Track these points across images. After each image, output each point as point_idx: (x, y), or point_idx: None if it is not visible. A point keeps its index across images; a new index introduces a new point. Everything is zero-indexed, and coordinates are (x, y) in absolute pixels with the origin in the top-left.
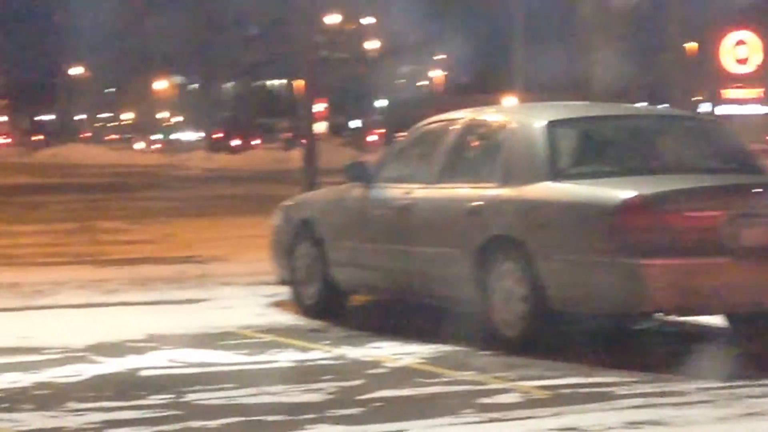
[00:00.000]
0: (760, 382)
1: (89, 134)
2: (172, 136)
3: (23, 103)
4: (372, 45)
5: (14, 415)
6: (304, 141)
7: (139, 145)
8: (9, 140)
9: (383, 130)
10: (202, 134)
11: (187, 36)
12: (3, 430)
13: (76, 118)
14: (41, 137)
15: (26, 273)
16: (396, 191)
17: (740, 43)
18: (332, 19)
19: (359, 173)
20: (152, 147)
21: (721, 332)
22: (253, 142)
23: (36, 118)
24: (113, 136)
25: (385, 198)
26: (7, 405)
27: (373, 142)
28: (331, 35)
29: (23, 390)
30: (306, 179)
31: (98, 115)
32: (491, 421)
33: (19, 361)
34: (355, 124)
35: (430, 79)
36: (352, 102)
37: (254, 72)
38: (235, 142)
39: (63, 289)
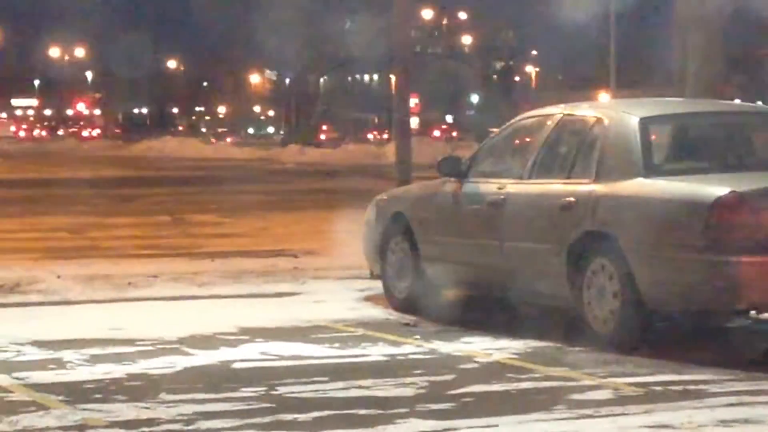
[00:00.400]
0: None
1: (183, 128)
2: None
3: (117, 97)
4: (466, 40)
5: (107, 406)
6: (386, 136)
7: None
8: (97, 132)
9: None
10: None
11: (281, 30)
12: (96, 420)
13: (170, 111)
14: (135, 130)
15: (119, 265)
16: (489, 186)
17: None
18: (427, 13)
19: (452, 168)
20: (228, 140)
21: None
22: (345, 137)
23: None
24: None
25: (478, 193)
26: (99, 396)
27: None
28: (426, 30)
29: (116, 381)
30: (399, 174)
31: (192, 109)
32: (582, 417)
33: (112, 352)
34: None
35: (524, 75)
36: (445, 97)
37: (348, 66)
38: (329, 137)
39: (156, 282)
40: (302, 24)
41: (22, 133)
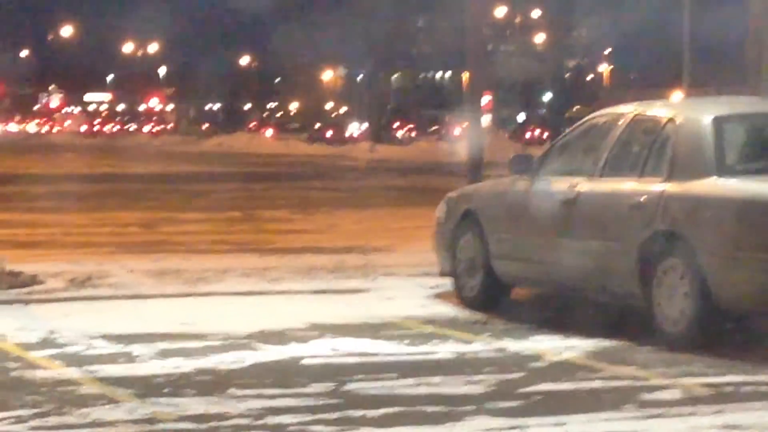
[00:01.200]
0: None
1: (255, 123)
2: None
3: (190, 92)
4: (539, 38)
5: (176, 400)
6: (455, 133)
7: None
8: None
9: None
10: (366, 125)
11: (354, 27)
12: (165, 414)
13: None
14: (208, 126)
15: (190, 260)
16: (560, 184)
17: None
18: (501, 11)
19: (523, 166)
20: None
21: None
22: (417, 134)
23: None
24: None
25: (549, 191)
26: (169, 390)
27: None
28: (499, 28)
29: (185, 376)
30: (470, 171)
31: (264, 105)
32: (651, 417)
33: (182, 347)
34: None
35: (597, 73)
36: (517, 95)
37: (420, 63)
38: (400, 134)
39: (227, 277)
40: (375, 21)
41: (95, 128)
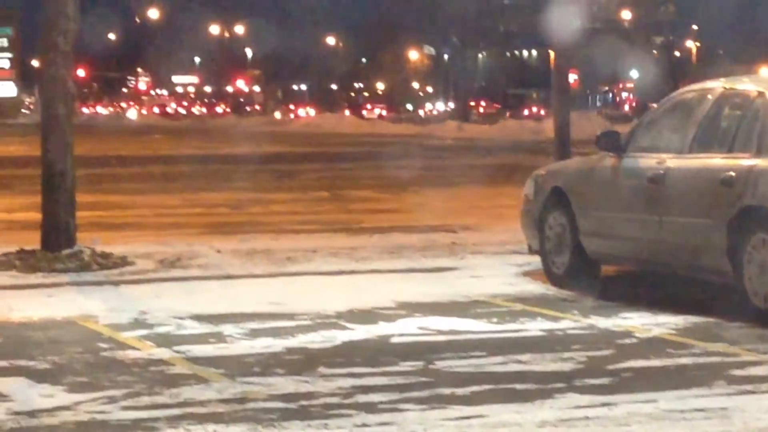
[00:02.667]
0: None
1: (340, 104)
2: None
3: (276, 73)
4: (626, 15)
5: (267, 379)
6: (543, 112)
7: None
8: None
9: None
10: (452, 104)
11: (440, 6)
12: (255, 393)
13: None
14: (293, 107)
15: (279, 240)
16: (648, 161)
17: None
18: None
19: (611, 143)
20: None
21: None
22: (504, 113)
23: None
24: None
25: (637, 168)
26: (259, 369)
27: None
28: (585, 5)
29: (275, 355)
30: (558, 149)
31: (351, 85)
32: (742, 393)
33: (272, 326)
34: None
35: (685, 50)
36: (604, 73)
37: (507, 42)
38: (487, 113)
39: (315, 257)
40: (459, 1)
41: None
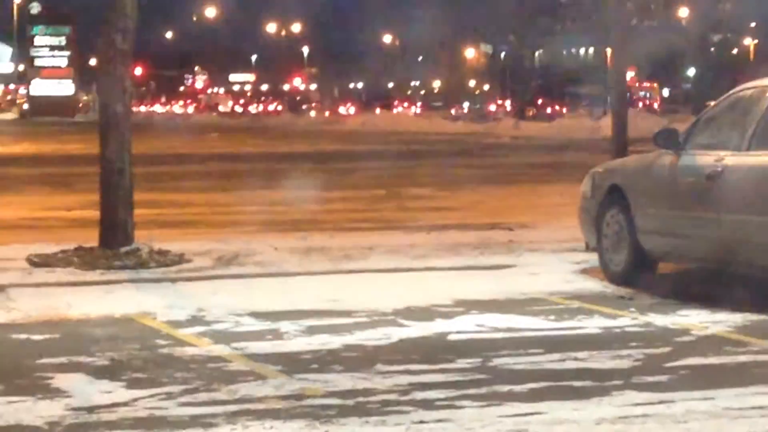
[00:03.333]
0: None
1: (398, 102)
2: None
3: (333, 71)
4: (683, 12)
5: (324, 376)
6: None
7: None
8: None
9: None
10: (509, 102)
11: (497, 4)
12: (313, 390)
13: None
14: (351, 105)
15: (336, 237)
16: (706, 158)
17: None
18: None
19: (669, 140)
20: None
21: None
22: (561, 110)
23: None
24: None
25: (695, 165)
26: (316, 366)
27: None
28: (643, 2)
29: (332, 352)
30: (615, 147)
31: (408, 83)
32: None
33: (329, 323)
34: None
35: (743, 47)
36: (661, 71)
37: (564, 40)
38: (544, 111)
39: (372, 254)
40: None
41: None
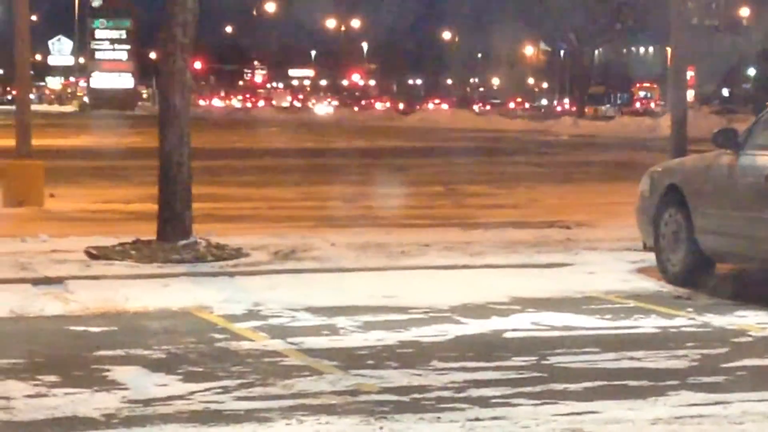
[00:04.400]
0: None
1: (457, 99)
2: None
3: (392, 67)
4: (744, 12)
5: (380, 372)
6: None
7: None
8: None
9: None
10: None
11: (556, 2)
12: (368, 386)
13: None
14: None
15: (393, 234)
16: (765, 159)
17: None
18: None
19: (728, 140)
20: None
21: None
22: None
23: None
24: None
25: (754, 165)
26: (373, 362)
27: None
28: (704, 2)
29: (388, 348)
30: (674, 146)
31: (467, 80)
32: None
33: (385, 319)
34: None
35: None
36: (722, 70)
37: (624, 38)
38: (603, 109)
39: (429, 251)
40: None
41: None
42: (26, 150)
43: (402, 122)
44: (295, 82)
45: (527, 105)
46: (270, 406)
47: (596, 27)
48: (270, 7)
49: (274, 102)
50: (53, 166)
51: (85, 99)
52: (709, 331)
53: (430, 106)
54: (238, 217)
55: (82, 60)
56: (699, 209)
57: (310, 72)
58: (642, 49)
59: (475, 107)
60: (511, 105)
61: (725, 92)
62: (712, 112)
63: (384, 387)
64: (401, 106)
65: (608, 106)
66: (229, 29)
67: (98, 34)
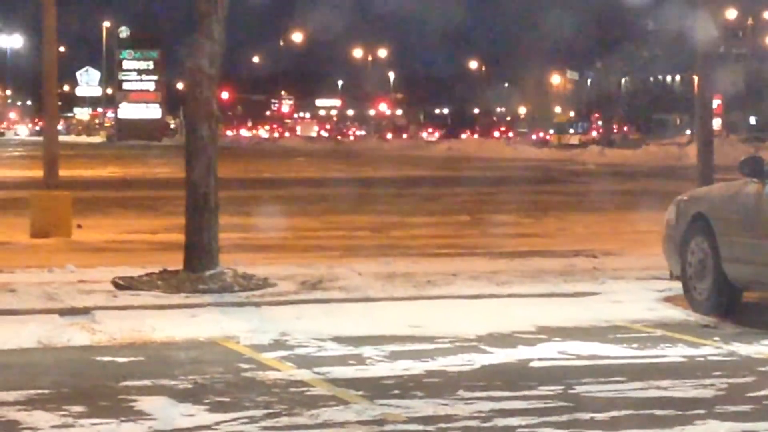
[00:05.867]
0: None
1: (485, 128)
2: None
3: (418, 97)
4: None
5: (406, 402)
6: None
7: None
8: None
9: None
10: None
11: (583, 31)
12: (394, 416)
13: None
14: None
15: (420, 263)
16: None
17: None
18: (731, 13)
19: (754, 169)
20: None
21: None
22: (647, 138)
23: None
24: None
25: None
26: (399, 392)
27: None
28: (730, 30)
29: (414, 377)
30: (701, 175)
31: (493, 109)
32: None
33: (412, 349)
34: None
35: None
36: (750, 99)
37: (649, 67)
38: (630, 138)
39: (455, 280)
40: (604, 26)
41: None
42: (54, 181)
43: (428, 151)
44: (322, 112)
45: (549, 135)
46: None
47: (622, 55)
48: (296, 38)
49: (299, 131)
50: (81, 197)
51: (113, 129)
52: (736, 360)
53: (463, 136)
54: (265, 246)
55: (109, 91)
56: (726, 238)
57: (337, 102)
58: (669, 78)
59: (496, 133)
60: (533, 137)
61: (752, 120)
62: (739, 140)
63: (410, 417)
64: (425, 135)
65: (572, 131)
66: (256, 59)
67: (126, 64)
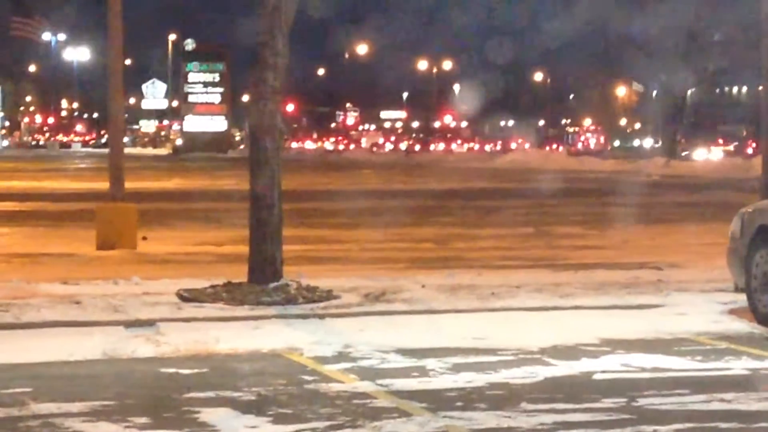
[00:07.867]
0: None
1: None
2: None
3: (483, 110)
4: None
5: (469, 414)
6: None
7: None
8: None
9: None
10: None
11: (648, 43)
12: (457, 428)
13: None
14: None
15: (483, 275)
16: None
17: None
18: None
19: None
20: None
21: None
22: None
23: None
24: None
25: None
26: (462, 404)
27: None
28: None
29: (477, 390)
30: (765, 187)
31: (558, 121)
32: None
33: (475, 361)
34: None
35: None
36: None
37: (716, 78)
38: (698, 150)
39: (519, 292)
40: (670, 37)
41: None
42: (119, 193)
43: (492, 163)
44: (387, 124)
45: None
46: None
47: (688, 67)
48: (361, 50)
49: (363, 143)
50: (146, 209)
51: (178, 142)
52: None
53: (513, 145)
54: (329, 258)
55: (175, 103)
56: None
57: (402, 114)
58: (735, 89)
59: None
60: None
61: None
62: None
63: (473, 429)
64: (487, 147)
65: (562, 148)
66: (321, 72)
67: (192, 77)
